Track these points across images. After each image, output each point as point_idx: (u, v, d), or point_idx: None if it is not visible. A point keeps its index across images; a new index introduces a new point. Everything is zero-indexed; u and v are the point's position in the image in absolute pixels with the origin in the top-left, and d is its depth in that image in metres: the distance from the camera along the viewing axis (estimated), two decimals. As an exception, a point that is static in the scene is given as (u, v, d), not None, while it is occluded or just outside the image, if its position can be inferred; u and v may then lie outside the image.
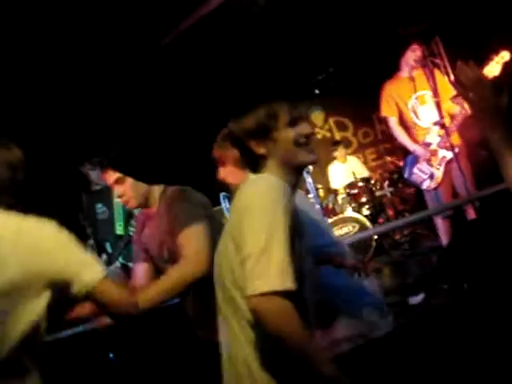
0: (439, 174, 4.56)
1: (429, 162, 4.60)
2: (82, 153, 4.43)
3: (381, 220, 6.57)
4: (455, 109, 4.50)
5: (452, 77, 4.78)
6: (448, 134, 4.45)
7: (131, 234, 4.03)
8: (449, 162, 4.54)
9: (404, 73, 4.76)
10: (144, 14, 4.60)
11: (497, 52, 4.34)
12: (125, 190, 2.53)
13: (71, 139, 4.81)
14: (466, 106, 4.37)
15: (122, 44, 4.74)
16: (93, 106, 5.12)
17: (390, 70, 4.95)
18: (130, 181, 2.52)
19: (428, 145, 4.61)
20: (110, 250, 4.35)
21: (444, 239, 4.59)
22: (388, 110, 4.86)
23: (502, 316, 2.63)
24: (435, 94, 4.47)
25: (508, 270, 3.22)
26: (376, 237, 5.91)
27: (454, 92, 4.59)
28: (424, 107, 4.68)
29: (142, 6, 4.53)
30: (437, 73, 4.64)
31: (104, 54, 4.75)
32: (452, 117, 4.53)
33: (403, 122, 4.81)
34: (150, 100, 5.33)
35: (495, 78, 4.32)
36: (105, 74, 4.94)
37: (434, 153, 4.57)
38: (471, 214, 4.35)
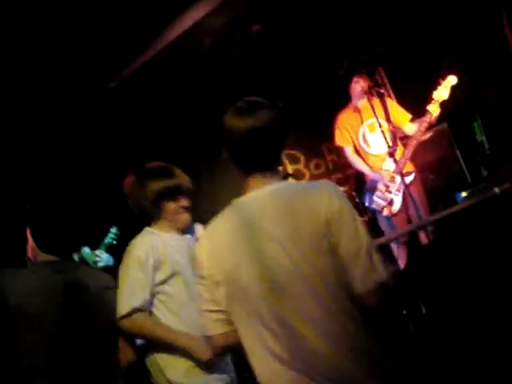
0: (399, 199, 4.60)
1: (387, 188, 4.63)
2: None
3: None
4: (413, 130, 4.58)
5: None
6: (400, 161, 4.48)
7: None
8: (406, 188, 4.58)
9: (354, 103, 4.85)
10: (89, 59, 4.58)
11: (443, 76, 4.45)
12: None
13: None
14: (422, 128, 4.45)
15: (66, 90, 4.68)
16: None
17: (337, 102, 5.04)
18: None
19: (387, 171, 4.66)
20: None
21: (402, 264, 4.61)
22: (342, 140, 4.92)
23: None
24: (388, 120, 4.51)
25: (462, 291, 3.27)
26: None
27: (408, 114, 4.70)
28: (374, 134, 4.74)
29: (89, 50, 4.51)
30: (387, 100, 4.73)
31: (47, 100, 4.66)
32: (405, 144, 4.59)
33: (357, 151, 4.88)
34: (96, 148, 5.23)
35: (445, 101, 4.43)
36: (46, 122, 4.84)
37: (392, 179, 4.61)
38: (424, 238, 4.38)
